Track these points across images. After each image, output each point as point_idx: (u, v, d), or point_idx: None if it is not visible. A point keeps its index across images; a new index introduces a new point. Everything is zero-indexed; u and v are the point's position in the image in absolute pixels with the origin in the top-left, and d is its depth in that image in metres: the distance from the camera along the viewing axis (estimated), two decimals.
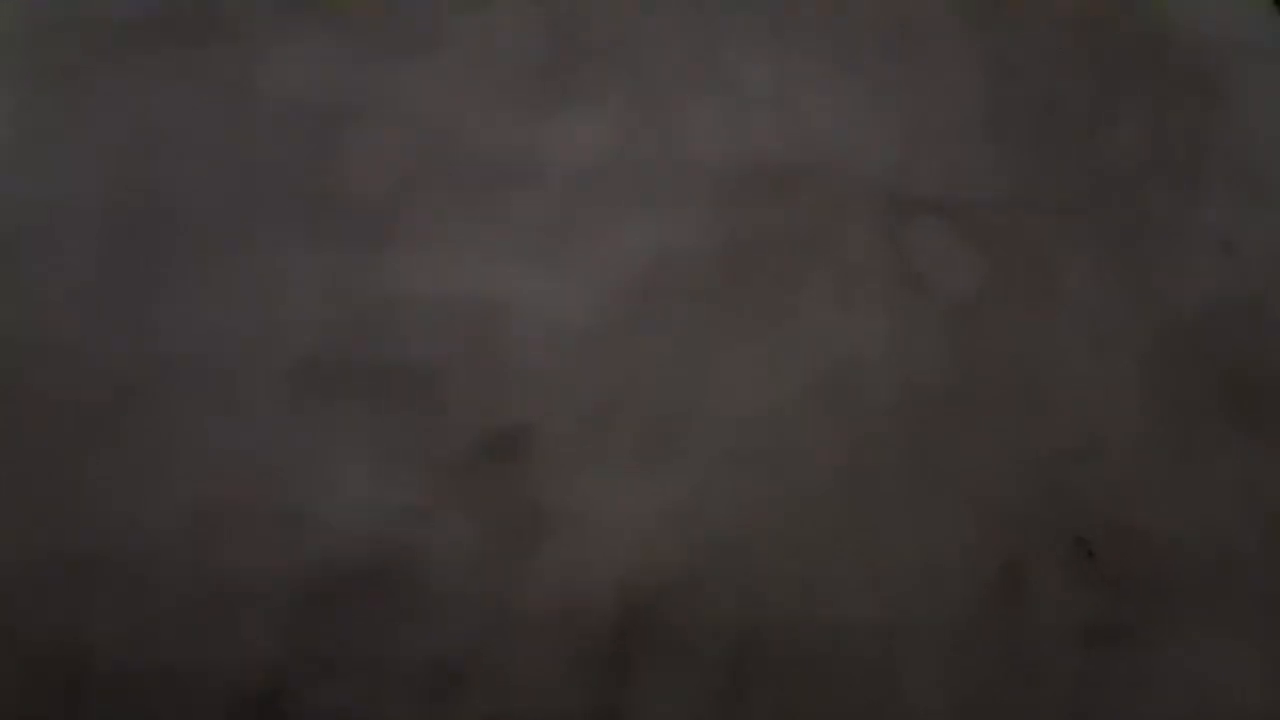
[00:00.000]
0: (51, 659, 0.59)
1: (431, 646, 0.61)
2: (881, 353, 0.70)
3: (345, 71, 0.81)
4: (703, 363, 0.70)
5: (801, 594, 0.63)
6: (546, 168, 0.77)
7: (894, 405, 0.68)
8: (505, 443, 0.66)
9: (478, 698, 0.59)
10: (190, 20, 0.80)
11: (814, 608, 0.63)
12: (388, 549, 0.63)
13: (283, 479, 0.65)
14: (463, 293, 0.72)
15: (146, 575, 0.62)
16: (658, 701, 0.60)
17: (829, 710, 0.61)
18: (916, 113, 0.80)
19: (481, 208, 0.76)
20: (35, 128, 0.77)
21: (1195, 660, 0.62)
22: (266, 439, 0.66)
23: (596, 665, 0.61)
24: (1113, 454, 0.67)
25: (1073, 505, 0.65)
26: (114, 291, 0.70)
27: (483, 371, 0.69)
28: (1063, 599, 0.63)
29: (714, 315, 0.72)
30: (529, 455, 0.66)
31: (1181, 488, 0.66)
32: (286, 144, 0.77)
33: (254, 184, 0.75)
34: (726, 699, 0.61)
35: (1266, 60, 0.84)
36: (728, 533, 0.64)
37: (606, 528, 0.64)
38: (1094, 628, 0.62)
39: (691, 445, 0.67)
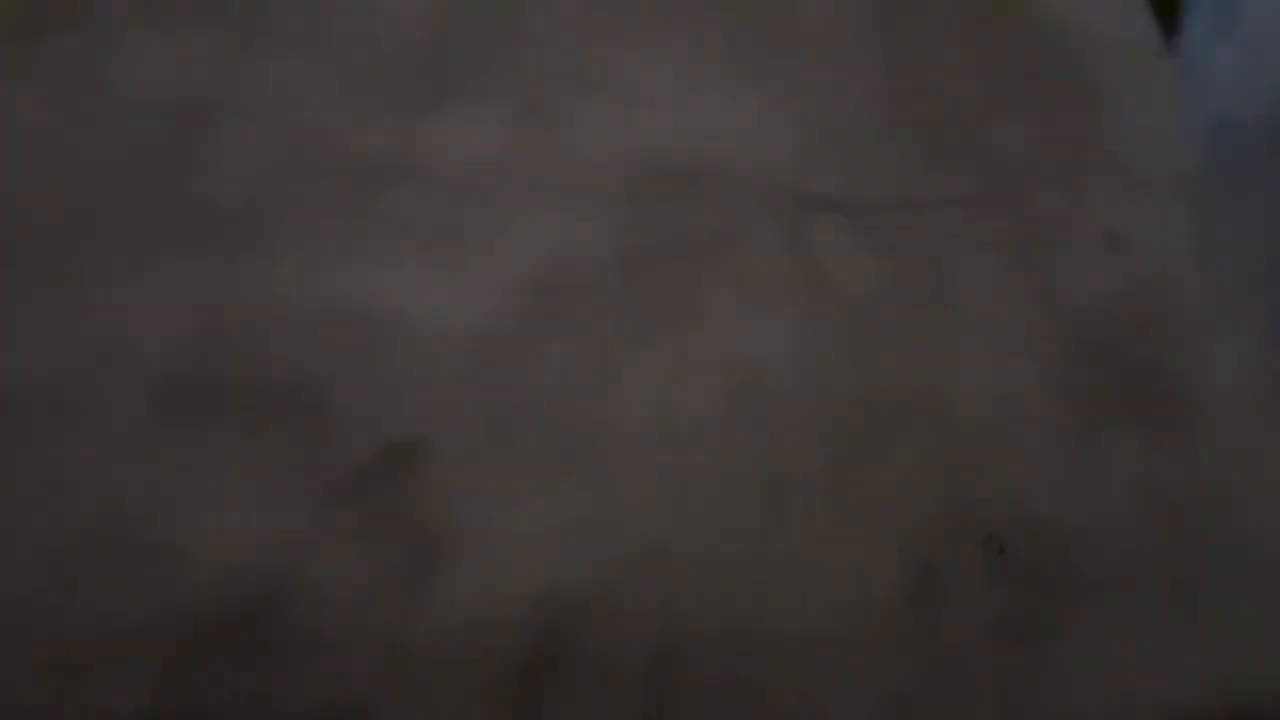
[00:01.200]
0: None
1: (325, 690, 0.55)
2: (788, 356, 0.68)
3: (211, 64, 0.74)
4: (605, 370, 0.66)
5: (720, 606, 0.60)
6: (430, 167, 0.73)
7: (803, 410, 0.67)
8: (396, 461, 0.61)
9: None
10: (40, 7, 0.73)
11: (733, 619, 0.60)
12: (270, 584, 0.57)
13: (151, 511, 0.58)
14: (343, 301, 0.66)
15: (5, 621, 0.55)
16: None
17: None
18: (814, 114, 0.79)
19: (361, 209, 0.70)
20: None
21: (1106, 650, 0.62)
22: (131, 467, 0.59)
23: (506, 697, 0.56)
24: (1017, 451, 0.67)
25: (982, 504, 0.65)
26: None
27: (368, 385, 0.64)
28: (978, 597, 0.62)
29: (615, 320, 0.68)
30: (423, 474, 0.61)
31: (1084, 482, 0.67)
32: (145, 142, 0.70)
33: (109, 186, 0.68)
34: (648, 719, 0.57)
35: (1142, 58, 0.86)
36: (641, 547, 0.61)
37: (511, 547, 0.60)
38: (1009, 623, 0.61)
39: (597, 457, 0.63)
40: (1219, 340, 0.73)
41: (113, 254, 0.66)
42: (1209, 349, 0.73)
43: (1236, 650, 0.63)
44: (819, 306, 0.70)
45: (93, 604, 0.56)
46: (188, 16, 0.76)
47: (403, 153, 0.73)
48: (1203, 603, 0.65)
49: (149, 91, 0.72)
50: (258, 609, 0.57)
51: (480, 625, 0.58)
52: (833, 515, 0.64)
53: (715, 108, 0.78)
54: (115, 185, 0.68)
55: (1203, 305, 0.75)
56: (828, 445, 0.66)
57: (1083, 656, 0.62)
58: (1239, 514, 0.67)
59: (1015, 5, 0.85)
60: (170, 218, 0.67)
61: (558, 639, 0.58)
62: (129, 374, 0.62)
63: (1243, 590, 0.65)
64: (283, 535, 0.58)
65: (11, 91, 0.71)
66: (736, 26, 0.81)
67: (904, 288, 0.72)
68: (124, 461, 0.60)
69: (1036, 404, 0.69)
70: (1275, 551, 0.66)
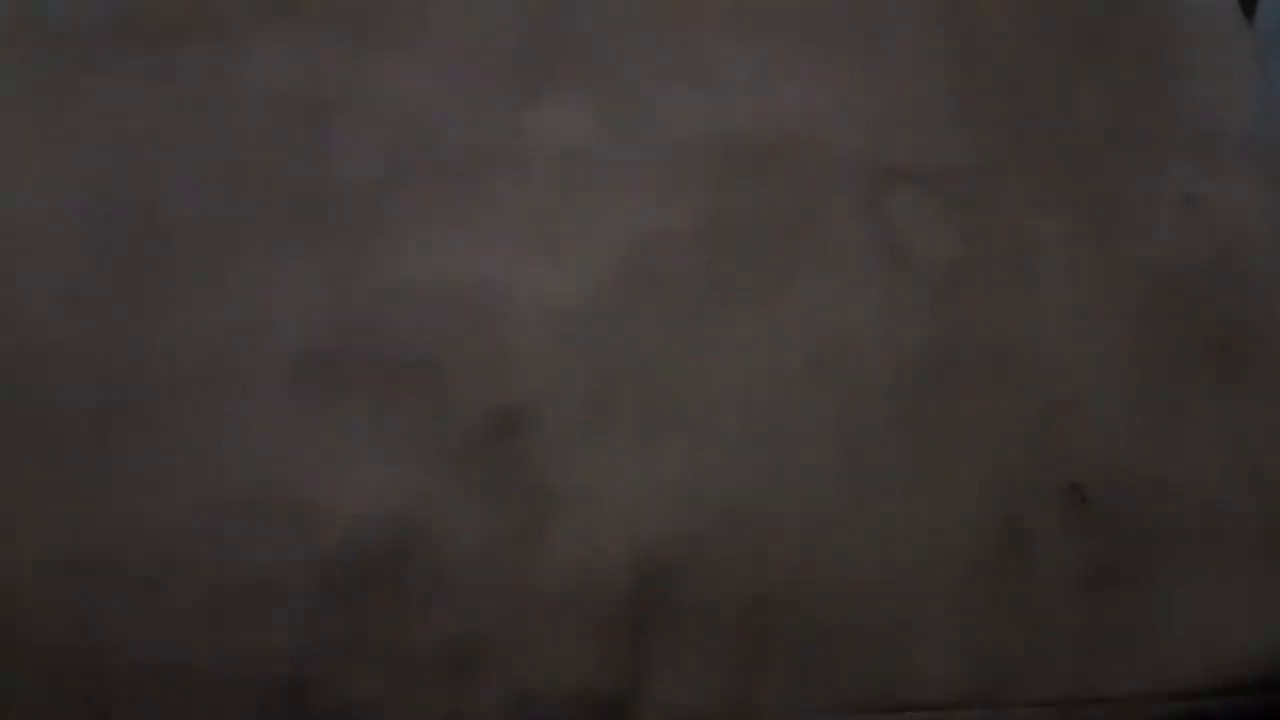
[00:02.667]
0: (71, 665, 0.59)
1: (450, 629, 0.61)
2: (871, 322, 0.72)
3: (326, 65, 0.81)
4: (698, 339, 0.71)
5: (809, 560, 0.64)
6: (531, 154, 0.78)
7: (887, 373, 0.70)
8: (509, 424, 0.67)
9: (499, 677, 0.60)
10: (165, 21, 0.80)
11: (822, 572, 0.64)
12: (400, 535, 0.63)
13: (290, 472, 0.65)
14: (456, 280, 0.72)
15: (160, 576, 0.62)
16: (675, 671, 0.61)
17: (843, 671, 0.62)
18: (889, 92, 0.82)
19: (469, 195, 0.76)
20: (15, 137, 0.76)
21: (1190, 600, 0.64)
22: (271, 434, 0.66)
23: (613, 639, 0.61)
24: (1098, 408, 0.69)
25: (1064, 457, 0.67)
26: (107, 296, 0.70)
27: (481, 355, 0.69)
28: (1062, 548, 0.64)
29: (705, 293, 0.73)
30: (533, 435, 0.67)
31: (1167, 436, 0.69)
32: (270, 140, 0.77)
33: (240, 182, 0.75)
34: (742, 665, 0.62)
35: (1217, 29, 0.87)
36: (733, 504, 0.65)
37: (614, 503, 0.65)
38: (1094, 574, 0.64)
39: (692, 420, 0.68)
40: None
41: (250, 242, 0.72)
42: None
43: None
44: (899, 273, 0.74)
45: (241, 556, 0.63)
46: (302, 20, 0.83)
47: (505, 143, 0.79)
48: None
49: (272, 91, 0.79)
50: (388, 558, 0.63)
51: (588, 573, 0.63)
52: (916, 471, 0.67)
53: (793, 89, 0.82)
54: (248, 179, 0.75)
55: None
56: (910, 405, 0.69)
57: (1167, 606, 0.64)
58: None
59: None
60: (300, 208, 0.74)
61: (659, 587, 0.63)
62: (269, 350, 0.68)
63: None
64: (409, 492, 0.64)
65: (151, 96, 0.78)
66: (811, 10, 0.85)
67: (983, 253, 0.75)
68: (266, 428, 0.66)
69: (1117, 362, 0.71)
70: None
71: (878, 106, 0.82)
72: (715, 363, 0.70)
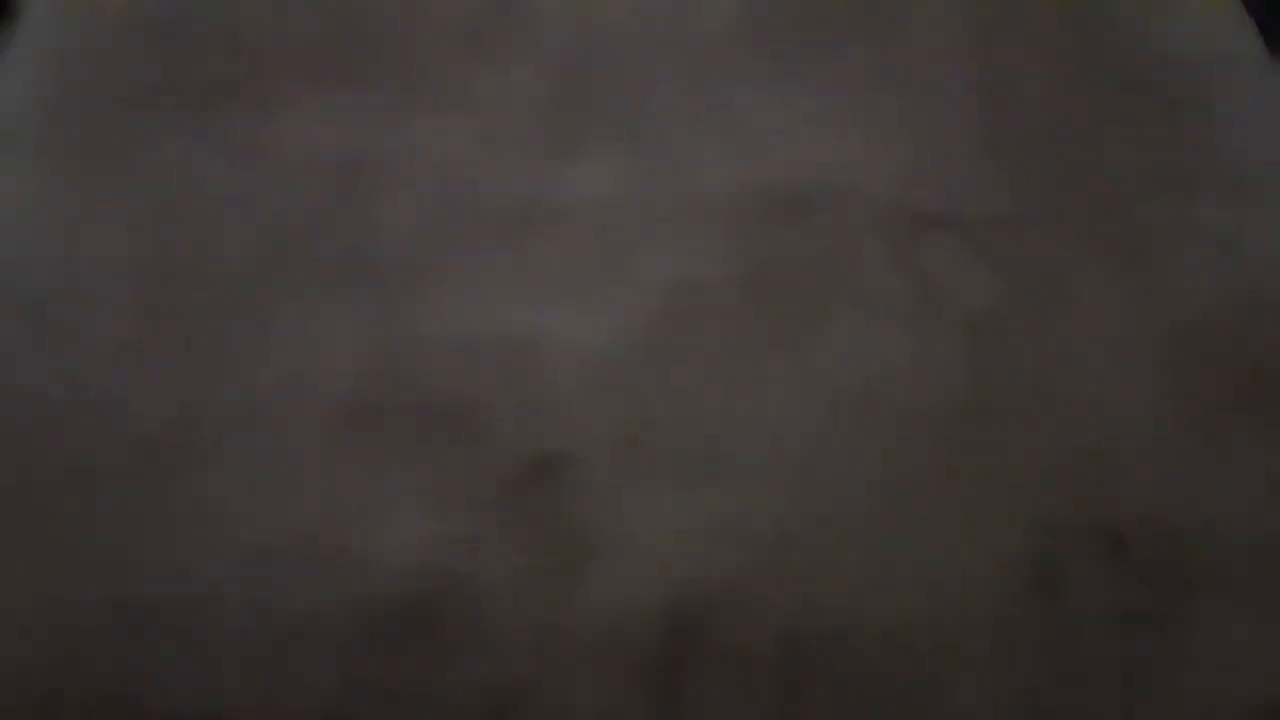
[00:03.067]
0: (117, 708, 0.60)
1: (487, 674, 0.61)
2: (905, 367, 0.72)
3: (362, 126, 0.84)
4: (733, 384, 0.72)
5: (846, 603, 0.64)
6: (566, 209, 0.80)
7: (922, 416, 0.70)
8: (546, 471, 0.68)
9: (539, 717, 0.60)
10: (215, 84, 0.83)
11: (859, 615, 0.64)
12: (439, 581, 0.64)
13: (332, 520, 0.66)
14: (494, 331, 0.74)
15: (201, 622, 0.62)
16: (713, 716, 0.61)
17: (881, 714, 0.61)
18: (921, 139, 0.83)
19: (506, 250, 0.78)
20: (63, 193, 0.80)
21: (1229, 645, 0.63)
22: (313, 483, 0.67)
23: (650, 683, 0.61)
24: (1136, 452, 0.69)
25: (1101, 502, 0.67)
26: (151, 347, 0.72)
27: (519, 404, 0.70)
28: (1099, 592, 0.64)
29: (740, 339, 0.74)
30: (570, 481, 0.67)
31: (1206, 480, 0.68)
32: (311, 197, 0.80)
33: (282, 237, 0.78)
34: (780, 709, 0.61)
35: (1244, 72, 0.88)
36: (770, 547, 0.65)
37: (650, 547, 0.65)
38: (1131, 618, 0.63)
39: (728, 464, 0.68)
40: None
41: (293, 297, 0.75)
42: None
43: None
44: (933, 319, 0.74)
45: (282, 603, 0.63)
46: (342, 82, 0.86)
47: (539, 198, 0.81)
48: None
49: (312, 151, 0.82)
50: (427, 604, 0.63)
51: (625, 618, 0.63)
52: (953, 514, 0.67)
53: (823, 139, 0.84)
54: (290, 236, 0.78)
55: None
56: (946, 449, 0.69)
57: (1205, 650, 0.63)
58: None
59: (1114, 26, 0.88)
60: (341, 263, 0.76)
61: (694, 630, 0.63)
62: (311, 401, 0.70)
63: None
64: (448, 539, 0.65)
65: (200, 155, 0.81)
66: (838, 61, 0.86)
67: (1016, 298, 0.75)
68: (308, 477, 0.68)
69: (1154, 405, 0.71)
70: None
71: (908, 154, 0.83)
72: (751, 407, 0.71)
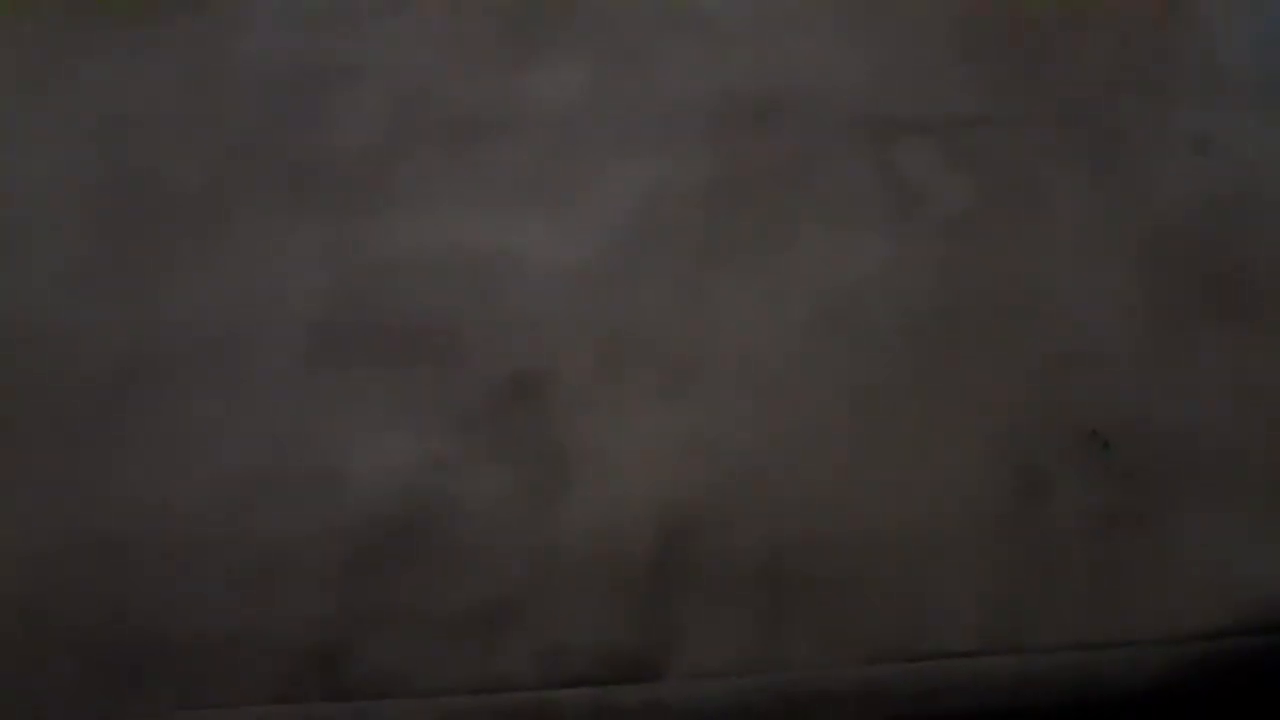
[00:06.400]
0: (99, 642, 0.59)
1: (475, 592, 0.61)
2: (879, 274, 0.72)
3: (320, 34, 0.80)
4: (707, 296, 0.71)
5: (827, 511, 0.64)
6: (529, 117, 0.78)
7: (897, 324, 0.70)
8: (524, 387, 0.67)
9: (526, 638, 0.60)
10: None
11: (839, 525, 0.64)
12: (423, 501, 0.63)
13: (309, 443, 0.64)
14: (462, 245, 0.72)
15: (184, 549, 0.61)
16: (700, 626, 0.61)
17: (863, 623, 0.62)
18: (892, 41, 0.81)
19: (469, 160, 0.76)
20: (10, 115, 0.75)
21: (1207, 543, 0.64)
22: (288, 406, 0.66)
23: (638, 595, 0.61)
24: (1112, 355, 0.69)
25: (1078, 404, 0.67)
26: (112, 271, 0.70)
27: (492, 320, 0.69)
28: (1078, 494, 0.65)
29: (712, 248, 0.73)
30: (548, 397, 0.67)
31: (1180, 381, 0.69)
32: (267, 110, 0.76)
33: (240, 153, 0.74)
34: (765, 619, 0.62)
35: None
36: (750, 458, 0.65)
37: (632, 462, 0.65)
38: (1110, 518, 0.64)
39: (705, 377, 0.68)
40: None
41: (253, 213, 0.72)
42: None
43: None
44: (906, 224, 0.73)
45: (264, 528, 0.63)
46: None
47: (502, 106, 0.78)
48: None
49: (267, 61, 0.78)
50: (410, 524, 0.63)
51: (608, 531, 0.63)
52: (930, 422, 0.67)
53: (792, 41, 0.81)
54: (248, 150, 0.75)
55: None
56: (921, 356, 0.69)
57: (1184, 549, 0.64)
58: None
59: None
60: (300, 176, 0.73)
61: (680, 543, 0.63)
62: (279, 321, 0.68)
63: None
64: (426, 458, 0.64)
65: (145, 70, 0.77)
66: None
67: (990, 202, 0.74)
68: (280, 401, 0.66)
69: (1129, 308, 0.71)
70: None
71: (880, 56, 0.81)
72: (725, 319, 0.70)
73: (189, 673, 0.58)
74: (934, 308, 0.71)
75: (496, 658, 0.60)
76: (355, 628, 0.60)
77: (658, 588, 0.62)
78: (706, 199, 0.74)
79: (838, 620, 0.62)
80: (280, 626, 0.59)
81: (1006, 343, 0.70)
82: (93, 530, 0.62)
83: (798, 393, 0.68)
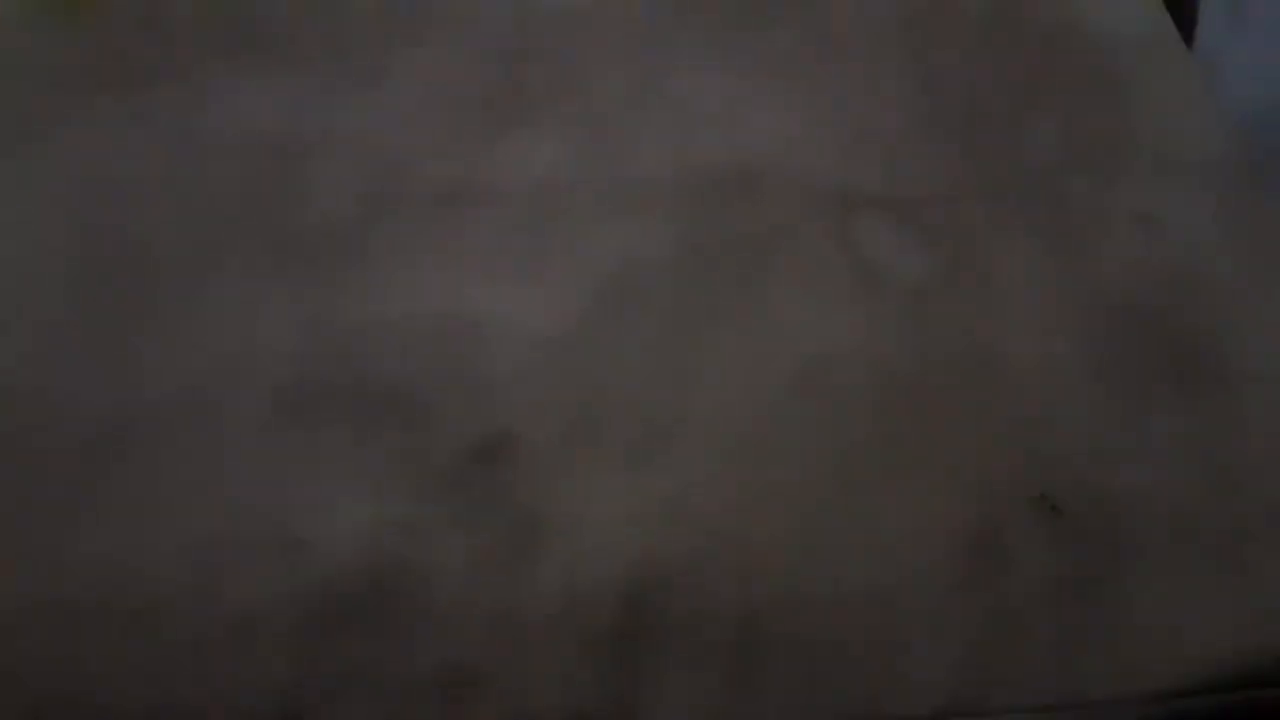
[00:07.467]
0: (61, 705, 0.58)
1: (440, 658, 0.61)
2: (846, 341, 0.74)
3: (297, 106, 0.82)
4: (678, 363, 0.72)
5: (796, 574, 0.65)
6: (502, 188, 0.80)
7: (865, 390, 0.72)
8: (492, 452, 0.67)
9: (492, 704, 0.60)
10: (137, 66, 0.81)
11: (808, 588, 0.65)
12: (388, 566, 0.63)
13: (274, 507, 0.65)
14: (434, 311, 0.73)
15: (146, 613, 0.61)
16: (668, 689, 0.61)
17: (831, 686, 0.62)
18: (855, 118, 0.85)
19: (443, 230, 0.77)
20: None
21: (1162, 605, 0.65)
22: (255, 470, 0.66)
23: (606, 659, 0.62)
24: (1066, 420, 0.71)
25: (1036, 469, 0.69)
26: (86, 335, 0.70)
27: (462, 385, 0.70)
28: (1037, 558, 0.66)
29: (681, 318, 0.74)
30: (517, 462, 0.67)
31: (1132, 446, 0.71)
32: (245, 179, 0.78)
33: (217, 221, 0.76)
34: (733, 683, 0.62)
35: (1163, 54, 0.91)
36: (719, 522, 0.66)
37: (600, 527, 0.66)
38: (1068, 582, 0.65)
39: (675, 442, 0.69)
40: (1255, 312, 0.77)
41: (228, 280, 0.73)
42: (1245, 320, 0.77)
43: None
44: (872, 294, 0.76)
45: (228, 591, 0.62)
46: (271, 61, 0.84)
47: (477, 176, 0.80)
48: (1250, 556, 0.68)
49: (245, 131, 0.80)
50: (376, 589, 0.62)
51: (577, 596, 0.63)
52: (897, 485, 0.68)
53: (760, 118, 0.85)
54: (224, 218, 0.76)
55: (1235, 280, 0.79)
56: (888, 421, 0.71)
57: (1140, 611, 0.65)
58: None
59: (1036, 9, 0.91)
60: (275, 244, 0.75)
61: (647, 607, 0.63)
62: (249, 384, 0.69)
63: None
64: (393, 523, 0.64)
65: (126, 138, 0.79)
66: (775, 42, 0.87)
67: (949, 274, 0.77)
68: (248, 462, 0.66)
69: (1082, 377, 0.73)
70: None
71: (843, 135, 0.84)
72: (696, 384, 0.71)
73: None
74: (900, 374, 0.73)
75: (462, 718, 0.59)
76: (317, 694, 0.59)
77: (626, 652, 0.62)
78: (678, 269, 0.76)
79: (806, 683, 0.62)
80: (241, 691, 0.59)
81: (969, 409, 0.72)
82: (53, 595, 0.61)
83: (767, 457, 0.69)
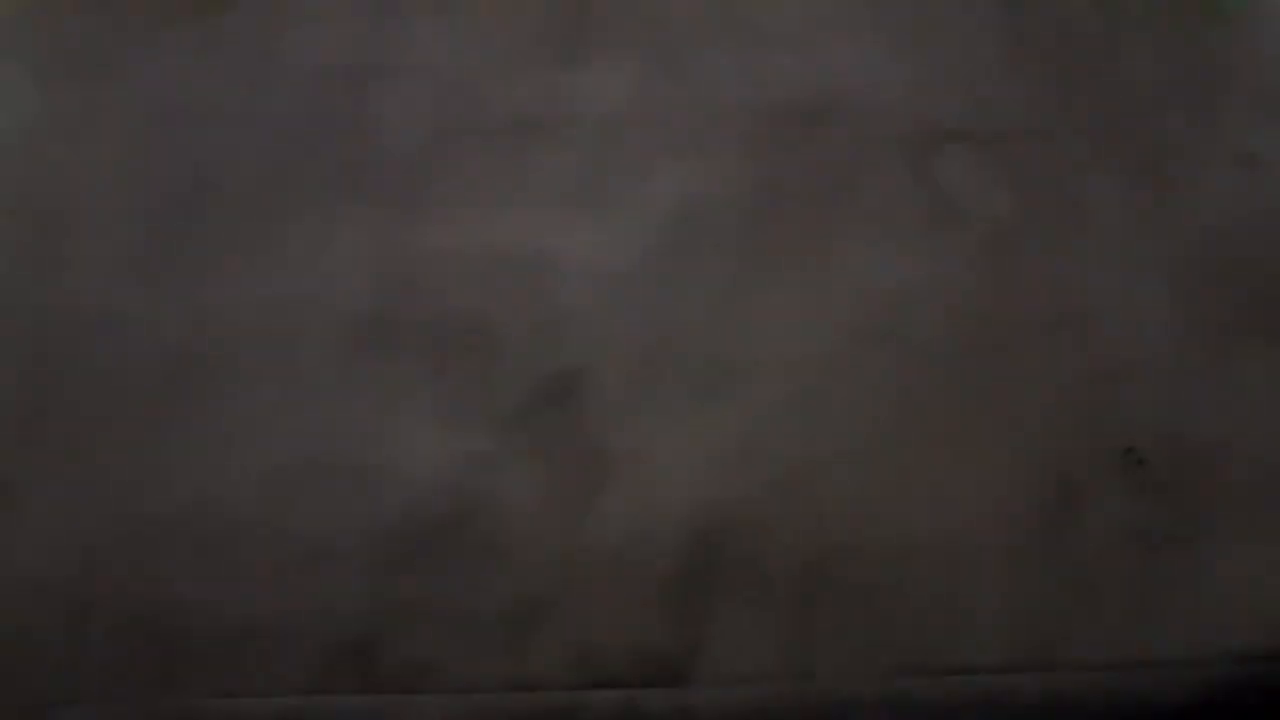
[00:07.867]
0: (144, 624, 0.60)
1: (509, 590, 0.62)
2: (920, 283, 0.72)
3: (366, 35, 0.81)
4: (746, 301, 0.71)
5: (862, 520, 0.65)
6: (574, 119, 0.78)
7: (937, 334, 0.70)
8: (563, 388, 0.67)
9: (558, 636, 0.61)
10: None
11: (875, 532, 0.64)
12: (458, 499, 0.64)
13: (351, 437, 0.66)
14: (505, 244, 0.73)
15: (229, 539, 0.63)
16: (731, 631, 0.62)
17: (894, 634, 0.62)
18: (938, 51, 0.81)
19: (515, 160, 0.76)
20: (70, 106, 0.77)
21: (1241, 563, 0.63)
22: (330, 400, 0.67)
23: (670, 598, 0.62)
24: (1151, 370, 0.69)
25: (1117, 419, 0.67)
26: (164, 262, 0.71)
27: (533, 319, 0.70)
28: (1114, 510, 0.64)
29: (753, 256, 0.73)
30: (586, 399, 0.67)
31: (1219, 399, 0.68)
32: (317, 108, 0.77)
33: (288, 150, 0.75)
34: (795, 626, 0.62)
35: None
36: (785, 465, 0.66)
37: (667, 465, 0.65)
38: (1145, 535, 0.64)
39: (742, 382, 0.68)
40: None
41: (299, 209, 0.73)
42: None
43: None
44: (949, 235, 0.73)
45: (305, 519, 0.64)
46: None
47: (548, 107, 0.79)
48: None
49: (313, 61, 0.79)
50: (448, 522, 0.63)
51: (644, 533, 0.63)
52: (967, 432, 0.67)
53: (838, 49, 0.81)
54: (295, 147, 0.76)
55: None
56: (962, 367, 0.69)
57: (1217, 569, 0.64)
58: None
59: None
60: (347, 175, 0.74)
61: (714, 547, 0.63)
62: (324, 315, 0.69)
63: None
64: (466, 457, 0.65)
65: (195, 67, 0.79)
66: None
67: (1034, 214, 0.74)
68: (325, 395, 0.67)
69: (1170, 323, 0.71)
70: None
71: (925, 65, 0.81)
72: (764, 325, 0.70)
73: (224, 658, 0.59)
74: (975, 318, 0.71)
75: (528, 656, 0.60)
76: (389, 622, 0.61)
77: (690, 590, 0.62)
78: (748, 206, 0.75)
79: (866, 630, 0.62)
80: (317, 617, 0.61)
81: (1045, 355, 0.70)
82: (138, 518, 0.63)
83: (836, 401, 0.68)
